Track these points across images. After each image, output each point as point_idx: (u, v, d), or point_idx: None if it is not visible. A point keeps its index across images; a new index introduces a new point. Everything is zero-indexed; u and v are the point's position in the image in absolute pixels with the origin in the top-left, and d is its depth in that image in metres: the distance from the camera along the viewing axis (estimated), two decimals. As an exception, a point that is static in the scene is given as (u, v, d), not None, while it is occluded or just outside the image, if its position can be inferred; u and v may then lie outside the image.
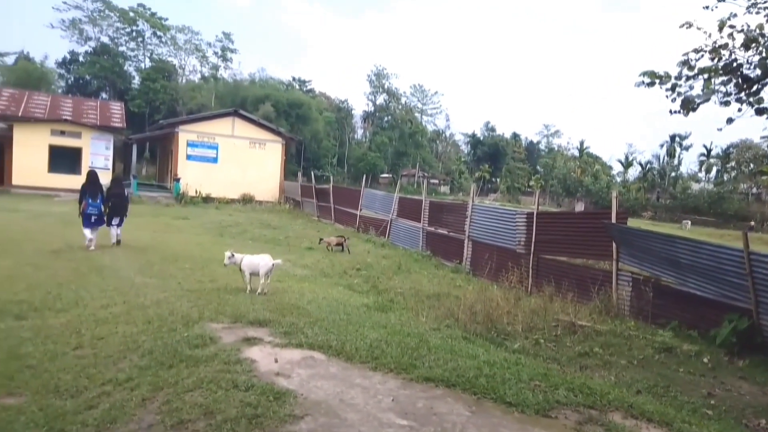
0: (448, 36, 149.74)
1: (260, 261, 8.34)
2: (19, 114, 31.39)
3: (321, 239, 16.01)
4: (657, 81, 7.44)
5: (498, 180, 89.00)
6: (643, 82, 7.53)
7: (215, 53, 73.07)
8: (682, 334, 7.83)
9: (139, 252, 12.12)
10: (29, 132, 28.20)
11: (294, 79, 79.96)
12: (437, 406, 4.19)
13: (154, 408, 3.97)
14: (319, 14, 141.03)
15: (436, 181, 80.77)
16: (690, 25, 7.03)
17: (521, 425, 3.95)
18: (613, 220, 9.51)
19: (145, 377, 4.53)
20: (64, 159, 28.02)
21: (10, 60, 59.76)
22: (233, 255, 8.29)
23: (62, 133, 28.92)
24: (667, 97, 7.44)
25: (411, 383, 4.66)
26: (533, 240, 11.36)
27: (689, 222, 47.97)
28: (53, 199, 24.81)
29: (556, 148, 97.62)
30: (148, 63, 68.93)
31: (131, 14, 66.35)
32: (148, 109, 60.42)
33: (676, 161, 75.83)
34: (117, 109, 37.53)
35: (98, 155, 29.31)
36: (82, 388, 4.41)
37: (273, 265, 8.40)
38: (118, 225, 12.73)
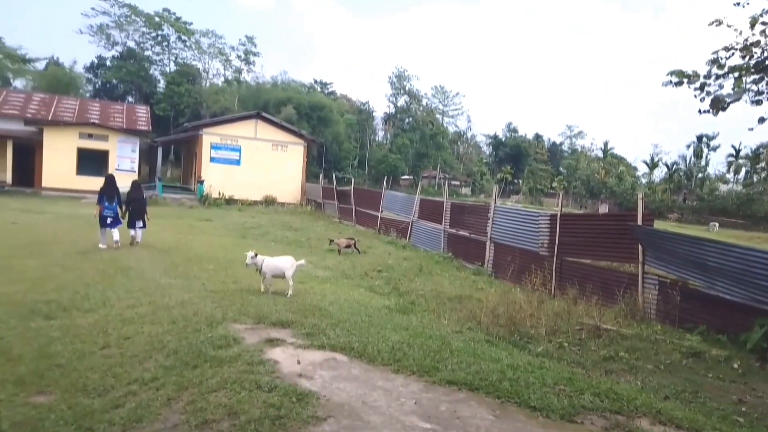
0: (470, 37, 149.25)
1: (284, 263, 8.37)
2: (49, 118, 32.16)
3: (331, 241, 16.05)
4: (685, 80, 7.31)
5: (520, 181, 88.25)
6: (670, 82, 7.40)
7: (238, 57, 73.93)
8: (711, 338, 7.65)
9: (164, 253, 12.31)
10: (58, 135, 28.90)
11: (315, 81, 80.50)
12: (460, 409, 4.16)
13: (179, 408, 4.02)
14: (340, 16, 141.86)
15: (458, 183, 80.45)
16: (720, 23, 6.88)
17: (546, 430, 3.90)
18: (639, 222, 9.34)
19: (170, 377, 4.59)
20: (91, 161, 28.64)
21: (40, 65, 61.39)
22: (256, 255, 8.30)
23: (90, 136, 29.57)
24: (695, 96, 7.30)
25: (434, 386, 4.64)
26: (556, 242, 11.22)
27: (717, 224, 46.90)
28: (80, 201, 25.32)
29: (579, 149, 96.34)
30: (172, 67, 70.02)
31: (156, 19, 67.47)
32: (172, 113, 61.33)
33: (703, 162, 74.25)
34: (143, 112, 38.20)
35: (124, 158, 29.90)
36: (109, 387, 4.48)
37: (297, 266, 8.46)
38: (142, 228, 13.20)
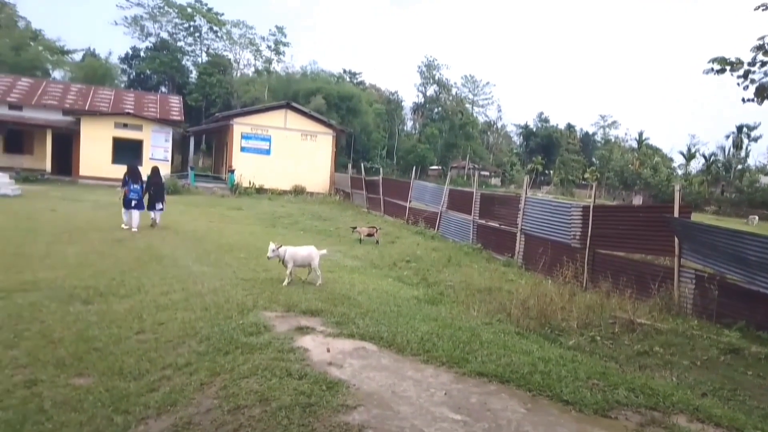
0: (500, 25, 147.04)
1: (310, 253, 8.36)
2: (86, 108, 32.99)
3: (354, 228, 16.13)
4: (728, 67, 7.05)
5: (551, 172, 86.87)
6: (712, 69, 7.15)
7: (268, 47, 74.48)
8: (751, 335, 7.40)
9: (197, 241, 12.53)
10: (95, 125, 29.63)
11: (344, 71, 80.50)
12: (491, 401, 4.12)
13: (212, 393, 4.09)
14: (370, 5, 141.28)
15: (487, 173, 79.69)
16: (766, 7, 6.60)
17: (580, 425, 3.83)
18: (676, 215, 9.09)
19: (203, 363, 4.67)
20: (126, 151, 29.22)
21: (77, 57, 63.04)
22: (279, 247, 8.06)
23: (125, 125, 30.21)
24: (738, 84, 7.05)
25: (464, 377, 4.61)
26: (589, 234, 11.01)
27: (756, 217, 45.39)
28: (116, 189, 25.90)
29: (612, 140, 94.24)
30: (204, 58, 71.02)
31: (189, 10, 68.40)
32: (204, 103, 62.27)
33: (743, 153, 71.78)
34: (176, 102, 38.84)
35: (158, 147, 30.47)
36: (144, 371, 4.59)
37: (321, 255, 8.47)
38: (161, 210, 14.45)
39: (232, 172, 30.15)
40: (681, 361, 6.38)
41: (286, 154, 32.10)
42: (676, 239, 9.06)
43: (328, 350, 5.06)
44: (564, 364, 5.12)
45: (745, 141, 71.07)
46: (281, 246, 8.18)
